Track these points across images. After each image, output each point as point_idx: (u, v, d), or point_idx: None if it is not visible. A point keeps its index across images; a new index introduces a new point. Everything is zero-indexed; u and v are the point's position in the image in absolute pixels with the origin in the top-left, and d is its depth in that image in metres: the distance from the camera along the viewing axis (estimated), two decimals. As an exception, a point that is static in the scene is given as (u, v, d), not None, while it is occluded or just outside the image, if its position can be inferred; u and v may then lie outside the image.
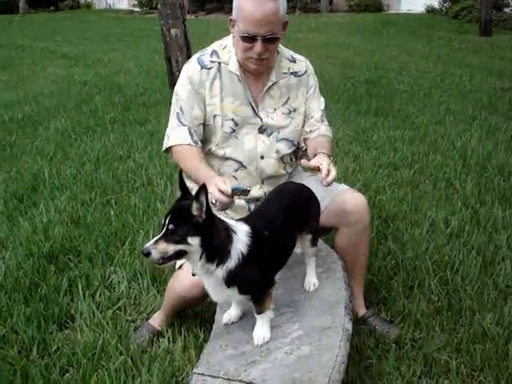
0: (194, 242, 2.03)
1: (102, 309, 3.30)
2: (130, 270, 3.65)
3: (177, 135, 2.86)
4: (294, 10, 26.86)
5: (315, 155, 2.75)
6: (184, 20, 7.56)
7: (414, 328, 3.09)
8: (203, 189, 2.02)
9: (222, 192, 2.40)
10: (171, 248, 2.02)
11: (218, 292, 2.23)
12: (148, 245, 2.01)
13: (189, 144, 2.83)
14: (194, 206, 2.03)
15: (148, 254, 2.00)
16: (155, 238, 2.02)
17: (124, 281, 3.54)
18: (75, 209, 4.69)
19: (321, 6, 27.57)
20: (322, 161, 2.63)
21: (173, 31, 7.43)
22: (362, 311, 3.16)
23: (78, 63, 13.37)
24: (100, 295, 3.43)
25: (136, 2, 32.41)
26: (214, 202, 2.40)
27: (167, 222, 2.01)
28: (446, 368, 2.81)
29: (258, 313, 2.30)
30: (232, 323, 2.43)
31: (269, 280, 2.30)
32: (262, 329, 2.31)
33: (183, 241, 2.02)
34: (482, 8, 18.55)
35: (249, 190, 2.51)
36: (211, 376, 2.12)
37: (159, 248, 2.00)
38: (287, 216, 2.39)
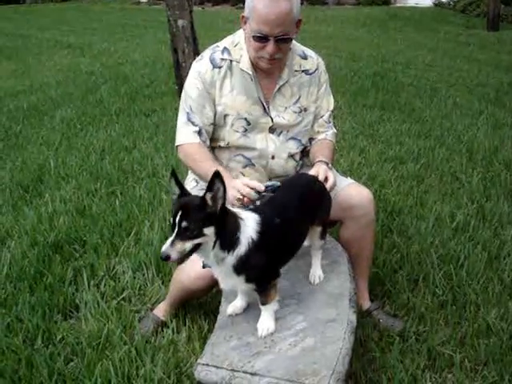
0: (210, 231, 2.03)
1: (107, 299, 3.31)
2: (134, 260, 3.66)
3: (186, 134, 2.84)
4: (302, 2, 26.59)
5: (313, 164, 2.79)
6: (191, 11, 7.51)
7: (419, 321, 3.10)
8: (217, 177, 2.02)
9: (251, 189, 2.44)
10: (188, 245, 2.01)
11: (227, 280, 2.22)
12: (165, 248, 1.98)
13: (198, 143, 2.81)
14: (208, 195, 2.03)
15: (167, 258, 1.98)
16: (170, 240, 1.99)
17: (129, 271, 3.55)
18: (80, 199, 4.70)
19: (328, -1, 27.42)
20: (319, 169, 2.66)
21: (180, 22, 7.38)
22: (366, 304, 3.17)
23: (84, 53, 13.35)
24: (105, 285, 3.44)
25: (142, -7, 32.30)
26: (240, 197, 2.44)
27: (178, 220, 1.99)
28: (449, 362, 2.82)
29: (263, 304, 2.30)
30: (236, 314, 2.42)
31: (275, 270, 2.30)
32: (266, 320, 2.30)
33: (199, 234, 2.01)
34: (490, 2, 18.41)
35: (280, 186, 2.55)
36: (215, 367, 2.12)
37: (176, 248, 1.98)
38: (300, 206, 2.37)
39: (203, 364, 2.14)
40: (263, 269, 2.22)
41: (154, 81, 9.61)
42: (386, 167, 5.33)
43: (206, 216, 2.03)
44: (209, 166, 2.68)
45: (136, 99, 8.46)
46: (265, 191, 2.46)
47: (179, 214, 1.99)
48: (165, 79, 9.47)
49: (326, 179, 2.63)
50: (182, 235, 1.99)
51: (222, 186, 2.03)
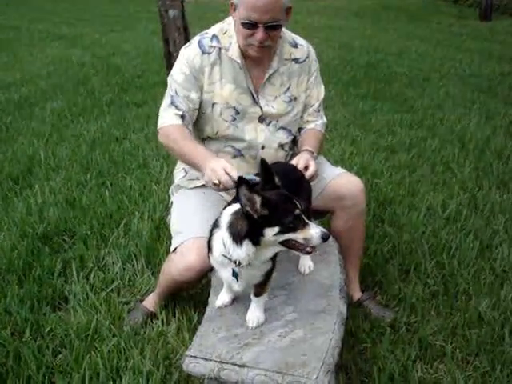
0: None
1: (96, 290, 3.27)
2: (124, 251, 3.63)
3: (168, 117, 2.76)
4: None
5: (299, 152, 2.77)
6: (182, 1, 7.45)
7: (410, 312, 3.08)
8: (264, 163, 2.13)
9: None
10: None
11: (250, 276, 2.17)
12: (323, 229, 1.99)
13: (180, 125, 2.73)
14: (277, 179, 2.12)
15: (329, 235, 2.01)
16: (311, 223, 2.00)
17: (118, 262, 3.52)
18: (70, 190, 4.66)
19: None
20: (300, 158, 2.64)
21: (170, 12, 7.32)
22: (357, 295, 3.15)
23: (76, 44, 13.22)
24: (94, 277, 3.40)
25: (134, -16, 32.07)
26: (216, 182, 2.38)
27: (300, 207, 2.00)
28: (441, 352, 2.80)
29: (257, 295, 2.27)
30: (225, 306, 2.40)
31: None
32: (256, 311, 2.28)
33: None
34: (482, -8, 18.41)
35: (258, 183, 2.50)
36: (204, 359, 2.09)
37: None
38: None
39: (191, 356, 2.12)
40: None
41: (145, 71, 9.55)
42: (377, 157, 5.32)
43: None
44: (190, 146, 2.64)
45: (127, 90, 8.41)
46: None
47: (297, 202, 2.01)
48: (157, 70, 9.40)
49: (307, 168, 2.60)
50: (308, 217, 2.05)
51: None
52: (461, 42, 13.51)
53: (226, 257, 2.10)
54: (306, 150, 2.75)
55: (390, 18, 18.34)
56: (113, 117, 6.99)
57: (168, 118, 2.77)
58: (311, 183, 2.65)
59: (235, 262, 2.08)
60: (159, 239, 3.72)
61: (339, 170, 2.99)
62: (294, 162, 2.65)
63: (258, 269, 2.13)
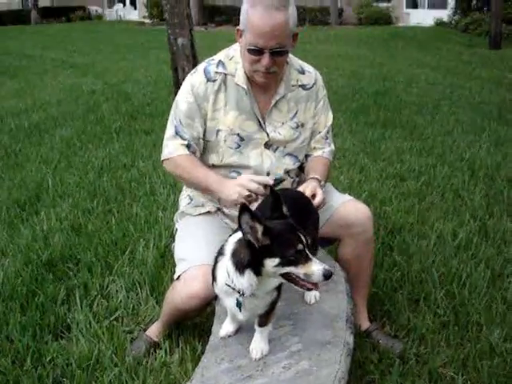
0: None
1: (99, 319, 3.22)
2: (128, 279, 3.58)
3: (174, 147, 2.75)
4: (304, 23, 26.89)
5: (306, 180, 2.75)
6: (191, 29, 7.52)
7: (419, 343, 3.00)
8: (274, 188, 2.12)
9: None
10: None
11: (255, 307, 2.12)
12: (326, 266, 1.92)
13: (187, 154, 2.73)
14: (285, 209, 2.08)
15: (332, 273, 1.95)
16: (314, 259, 1.93)
17: (122, 290, 3.46)
18: (76, 217, 4.63)
19: (330, 19, 27.59)
20: (308, 185, 2.61)
21: (179, 40, 7.39)
22: (365, 325, 3.07)
23: (87, 73, 13.38)
24: (97, 305, 3.35)
25: (146, 14, 32.59)
26: (247, 193, 2.42)
27: (305, 240, 1.95)
28: (452, 384, 2.72)
29: (261, 325, 2.21)
30: (229, 336, 2.34)
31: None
32: (260, 342, 2.22)
33: None
34: (491, 21, 18.51)
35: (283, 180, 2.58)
36: (205, 390, 2.03)
37: None
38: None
39: (192, 387, 2.06)
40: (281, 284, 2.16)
41: (155, 99, 9.59)
42: (386, 184, 5.26)
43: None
44: (201, 174, 2.65)
45: (137, 118, 8.44)
46: (273, 185, 2.40)
47: (301, 235, 1.95)
48: (166, 98, 9.41)
49: (314, 196, 2.56)
50: (313, 252, 1.99)
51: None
52: (470, 70, 13.53)
53: (229, 286, 2.05)
54: (314, 177, 2.71)
55: (399, 47, 18.43)
56: (121, 144, 6.99)
57: (174, 149, 2.75)
58: (318, 211, 2.61)
59: (239, 292, 2.03)
60: (164, 267, 3.67)
61: (346, 197, 2.94)
62: (301, 189, 2.62)
63: (261, 299, 2.07)
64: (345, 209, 2.83)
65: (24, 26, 29.53)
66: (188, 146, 2.73)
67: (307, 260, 1.92)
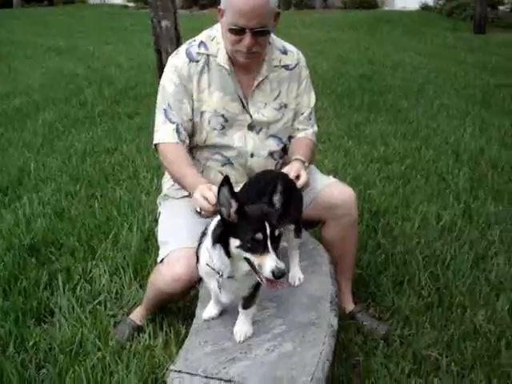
0: None
1: (82, 303, 3.19)
2: (112, 263, 3.55)
3: (164, 132, 2.71)
4: (289, 7, 26.75)
5: (290, 162, 2.70)
6: (175, 11, 7.41)
7: (404, 324, 3.01)
8: (279, 179, 2.04)
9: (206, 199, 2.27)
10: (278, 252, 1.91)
11: (237, 290, 2.10)
12: (280, 264, 1.82)
13: (176, 143, 2.69)
14: (276, 197, 1.99)
15: (284, 273, 1.86)
16: (273, 254, 1.84)
17: (105, 274, 3.43)
18: (59, 201, 4.58)
19: (315, 3, 27.44)
20: (292, 167, 2.58)
21: (163, 23, 7.28)
22: (349, 307, 3.07)
23: (70, 57, 13.20)
24: (80, 289, 3.32)
25: (130, -3, 32.19)
26: (198, 210, 2.31)
27: (270, 231, 1.86)
28: (435, 366, 2.73)
29: (245, 308, 2.19)
30: (212, 319, 2.32)
31: None
32: (244, 324, 2.20)
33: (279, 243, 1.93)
34: (476, 5, 18.48)
35: None
36: (189, 373, 2.01)
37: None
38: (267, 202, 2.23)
39: (176, 371, 2.03)
40: None
41: (138, 83, 9.50)
42: (371, 168, 5.26)
43: (280, 221, 1.95)
44: (181, 169, 2.59)
45: (120, 101, 8.36)
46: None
47: (267, 226, 1.86)
48: (150, 81, 9.31)
49: (298, 177, 2.53)
50: (276, 245, 1.88)
51: (282, 189, 1.99)
52: (455, 55, 13.52)
53: (209, 266, 2.04)
54: (297, 159, 2.69)
55: (384, 31, 18.40)
56: (104, 128, 6.94)
57: (164, 134, 2.71)
58: (302, 193, 2.59)
59: (218, 273, 2.02)
60: (148, 251, 3.64)
61: (331, 179, 2.92)
62: (284, 170, 2.59)
63: (242, 282, 2.04)
64: (329, 191, 2.81)
65: (5, 10, 29.03)
66: (178, 131, 2.69)
67: (264, 251, 1.85)
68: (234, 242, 1.90)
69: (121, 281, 3.40)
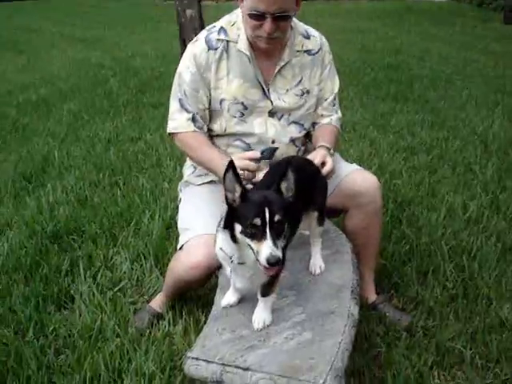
0: (286, 227, 1.90)
1: (103, 290, 3.19)
2: (133, 250, 3.54)
3: (179, 121, 2.70)
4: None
5: (314, 149, 2.66)
6: (199, 0, 7.40)
7: (427, 316, 2.94)
8: (289, 164, 1.93)
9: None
10: (282, 242, 1.87)
11: (252, 277, 2.06)
12: (273, 250, 1.77)
13: (193, 131, 2.68)
14: (283, 185, 1.93)
15: (279, 261, 1.80)
16: (270, 239, 1.79)
17: (126, 262, 3.43)
18: (82, 189, 4.60)
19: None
20: (317, 154, 2.53)
21: (188, 12, 7.28)
22: (372, 297, 3.02)
23: (96, 47, 13.26)
24: (101, 276, 3.32)
25: (157, -11, 32.25)
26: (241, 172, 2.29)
27: (269, 216, 1.81)
28: (459, 358, 2.66)
29: (264, 295, 2.15)
30: (231, 306, 2.28)
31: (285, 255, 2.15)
32: (263, 312, 2.16)
33: (284, 228, 1.88)
34: (507, -5, 18.11)
35: (276, 148, 2.44)
36: (206, 361, 1.98)
37: (280, 247, 1.83)
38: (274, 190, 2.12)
39: (193, 358, 2.00)
40: (285, 254, 2.06)
41: (163, 73, 9.47)
42: (396, 158, 5.16)
43: (287, 209, 1.89)
44: (205, 153, 2.60)
45: (145, 91, 8.35)
46: (261, 157, 2.31)
47: (266, 210, 1.82)
48: (174, 72, 9.32)
49: (324, 164, 2.48)
50: (276, 232, 1.83)
51: (293, 177, 1.92)
52: (484, 45, 13.25)
53: (223, 251, 2.01)
54: (322, 145, 2.64)
55: (412, 21, 18.08)
56: (129, 117, 6.95)
57: (180, 123, 2.71)
58: (327, 180, 2.54)
59: (230, 258, 2.00)
60: (169, 239, 3.63)
61: (354, 167, 2.86)
62: (310, 157, 2.55)
63: (253, 268, 1.99)
64: (352, 178, 2.75)
65: (33, 1, 29.29)
66: (194, 120, 2.67)
67: (262, 238, 1.81)
68: (237, 228, 1.88)
69: (141, 268, 3.39)
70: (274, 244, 1.80)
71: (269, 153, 2.29)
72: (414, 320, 2.89)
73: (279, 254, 1.79)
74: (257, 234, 1.83)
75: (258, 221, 1.82)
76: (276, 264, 1.80)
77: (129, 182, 4.70)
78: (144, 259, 3.45)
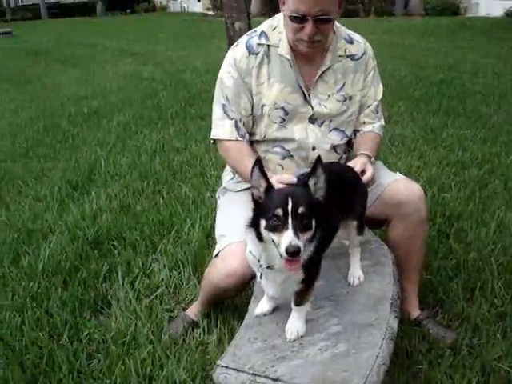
0: (314, 224, 1.82)
1: (140, 297, 3.16)
2: (172, 258, 3.51)
3: (223, 128, 2.66)
4: (369, 13, 26.42)
5: (355, 156, 2.59)
6: (248, 13, 7.42)
7: (473, 334, 2.79)
8: (319, 161, 1.86)
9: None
10: (307, 236, 1.80)
11: (284, 283, 1.98)
12: (292, 238, 1.70)
13: (236, 139, 2.63)
14: (312, 181, 1.87)
15: (298, 250, 1.70)
16: (290, 230, 1.72)
17: (165, 269, 3.39)
18: (126, 197, 4.62)
19: (396, 9, 26.95)
20: (357, 161, 2.46)
21: (237, 25, 7.31)
22: (415, 313, 2.88)
23: (148, 61, 13.49)
24: (139, 283, 3.29)
25: (210, 6, 32.75)
26: None
27: (292, 208, 1.74)
28: (505, 379, 2.50)
29: (298, 304, 2.07)
30: (264, 315, 2.21)
31: (320, 263, 2.07)
32: (296, 322, 2.08)
33: (311, 226, 1.81)
34: None
35: None
36: (235, 370, 1.91)
37: (303, 238, 1.75)
38: (328, 194, 2.01)
39: (222, 366, 1.94)
40: (319, 262, 2.03)
41: (213, 86, 9.49)
42: (446, 172, 5.00)
43: (313, 205, 1.83)
44: (246, 167, 2.50)
45: (193, 104, 8.41)
46: (297, 183, 2.25)
47: (290, 200, 1.76)
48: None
49: (364, 172, 2.39)
50: (299, 225, 1.75)
51: (323, 174, 1.86)
52: (541, 61, 12.88)
53: (252, 254, 1.94)
54: (363, 153, 2.56)
55: (466, 37, 17.77)
56: (176, 128, 6.99)
57: (222, 131, 2.67)
58: (368, 189, 2.45)
59: (259, 261, 1.93)
60: (208, 247, 3.58)
61: (397, 176, 2.75)
62: (350, 164, 2.47)
63: (283, 273, 1.92)
64: (395, 187, 2.64)
65: (90, 18, 30.14)
66: (237, 127, 2.63)
67: (284, 228, 1.74)
68: (262, 223, 1.82)
69: (179, 276, 3.36)
70: (296, 235, 1.72)
71: (305, 178, 2.23)
72: (458, 337, 2.74)
73: (300, 244, 1.72)
74: (279, 226, 1.76)
75: (279, 211, 1.76)
76: (295, 254, 1.71)
77: (172, 191, 4.69)
78: (182, 267, 3.41)
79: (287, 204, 1.75)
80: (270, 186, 1.87)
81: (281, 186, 2.14)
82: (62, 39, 20.53)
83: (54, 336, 2.85)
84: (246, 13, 7.29)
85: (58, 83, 11.51)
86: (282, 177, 2.25)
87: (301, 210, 1.76)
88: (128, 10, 35.63)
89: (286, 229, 1.74)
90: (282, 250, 1.72)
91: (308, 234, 1.80)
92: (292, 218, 1.74)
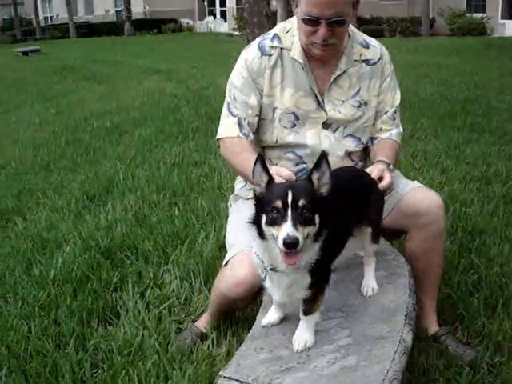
0: (317, 220, 1.74)
1: (149, 307, 3.09)
2: (184, 269, 3.43)
3: (226, 127, 2.59)
4: (395, 34, 26.37)
5: (372, 163, 2.50)
6: (270, 29, 7.39)
7: (494, 351, 2.65)
8: (324, 156, 1.78)
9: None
10: (307, 230, 1.71)
11: (289, 288, 1.90)
12: (290, 230, 1.64)
13: (237, 136, 2.55)
14: (315, 175, 1.79)
15: (296, 242, 1.64)
16: (288, 222, 1.65)
17: (176, 280, 3.32)
18: (142, 208, 4.57)
19: (421, 30, 26.86)
20: (375, 168, 2.36)
21: (258, 40, 7.28)
22: (433, 328, 2.75)
23: (172, 78, 13.58)
24: (150, 293, 3.22)
25: (236, 26, 33.01)
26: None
27: (291, 200, 1.68)
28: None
29: (306, 314, 1.98)
30: (272, 325, 2.12)
31: (330, 270, 1.99)
32: (304, 332, 1.98)
33: (312, 221, 1.73)
34: None
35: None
36: (238, 381, 1.82)
37: (301, 231, 1.67)
38: (341, 198, 1.97)
39: (225, 377, 1.85)
40: (328, 269, 1.95)
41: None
42: (469, 187, 4.87)
43: (316, 200, 1.75)
44: (245, 159, 2.40)
45: (215, 119, 8.31)
46: (297, 179, 2.17)
47: (290, 192, 1.70)
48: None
49: (381, 179, 2.30)
50: (299, 217, 1.68)
51: (328, 170, 1.78)
52: None
53: (256, 255, 1.86)
54: (381, 160, 2.46)
55: (492, 57, 17.58)
56: (196, 143, 6.96)
57: (225, 128, 2.60)
58: (384, 196, 2.35)
59: (262, 262, 1.85)
60: (220, 258, 3.49)
61: (415, 184, 2.64)
62: (367, 170, 2.38)
63: (288, 276, 1.84)
64: (413, 196, 2.53)
65: (117, 37, 30.55)
66: (239, 125, 2.55)
67: (283, 220, 1.67)
68: (263, 219, 1.75)
69: (190, 287, 3.27)
70: (294, 226, 1.64)
71: (306, 174, 2.15)
72: (478, 355, 2.60)
73: (298, 235, 1.64)
74: (278, 219, 1.69)
75: (279, 203, 1.69)
76: (293, 246, 1.64)
77: (188, 203, 4.64)
78: (194, 278, 3.33)
79: (287, 196, 1.69)
80: (271, 181, 1.81)
81: (280, 179, 2.07)
82: (88, 57, 20.79)
83: (60, 345, 2.78)
84: (267, 28, 7.27)
85: (82, 99, 11.63)
86: (281, 169, 2.17)
87: (301, 202, 1.69)
88: (155, 30, 36.09)
89: (285, 221, 1.66)
90: (280, 242, 1.65)
91: (309, 229, 1.72)
92: (292, 211, 1.67)
